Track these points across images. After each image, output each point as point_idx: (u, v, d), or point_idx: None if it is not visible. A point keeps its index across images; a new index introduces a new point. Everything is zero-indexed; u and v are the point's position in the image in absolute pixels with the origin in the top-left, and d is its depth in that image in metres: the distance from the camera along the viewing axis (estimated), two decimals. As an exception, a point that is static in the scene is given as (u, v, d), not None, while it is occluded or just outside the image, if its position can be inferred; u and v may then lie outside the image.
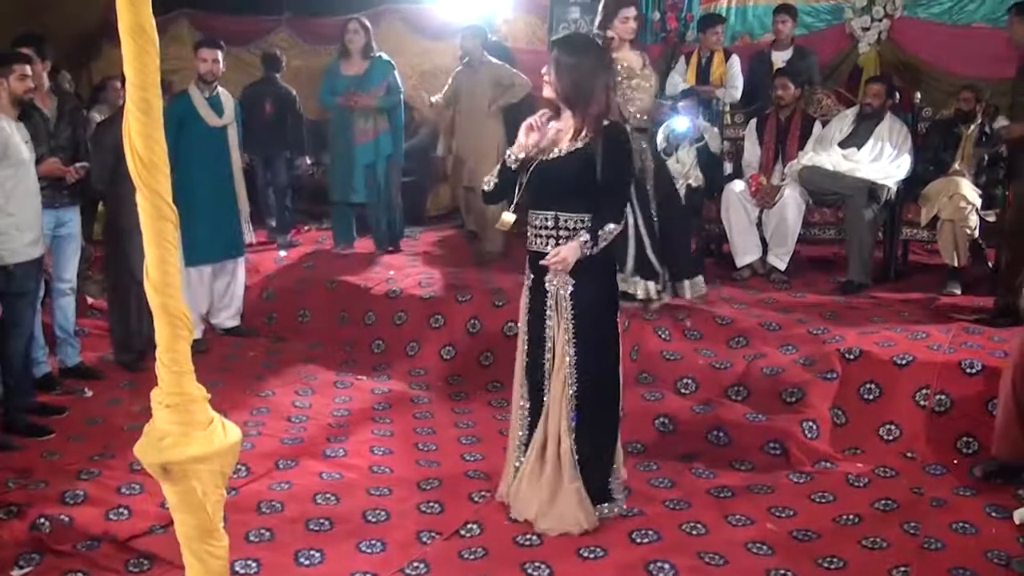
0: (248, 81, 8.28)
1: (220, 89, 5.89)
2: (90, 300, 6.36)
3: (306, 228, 8.32)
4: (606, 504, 3.69)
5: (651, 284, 5.14)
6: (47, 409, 4.82)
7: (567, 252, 3.41)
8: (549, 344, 3.60)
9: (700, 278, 5.38)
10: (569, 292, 3.53)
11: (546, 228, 3.53)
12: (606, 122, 3.48)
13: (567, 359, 3.55)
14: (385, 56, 7.05)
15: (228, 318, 6.13)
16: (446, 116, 7.34)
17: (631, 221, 5.04)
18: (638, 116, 5.12)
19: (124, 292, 5.38)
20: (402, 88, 7.15)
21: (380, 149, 6.99)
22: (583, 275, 3.51)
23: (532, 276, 3.64)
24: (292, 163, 8.07)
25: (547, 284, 3.56)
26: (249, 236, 6.07)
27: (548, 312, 3.58)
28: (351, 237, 7.30)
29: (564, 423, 3.57)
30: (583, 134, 3.46)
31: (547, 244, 3.53)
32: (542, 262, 3.48)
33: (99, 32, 9.69)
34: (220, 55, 5.81)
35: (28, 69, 4.48)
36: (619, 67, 4.97)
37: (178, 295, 2.16)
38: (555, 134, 3.55)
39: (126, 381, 5.32)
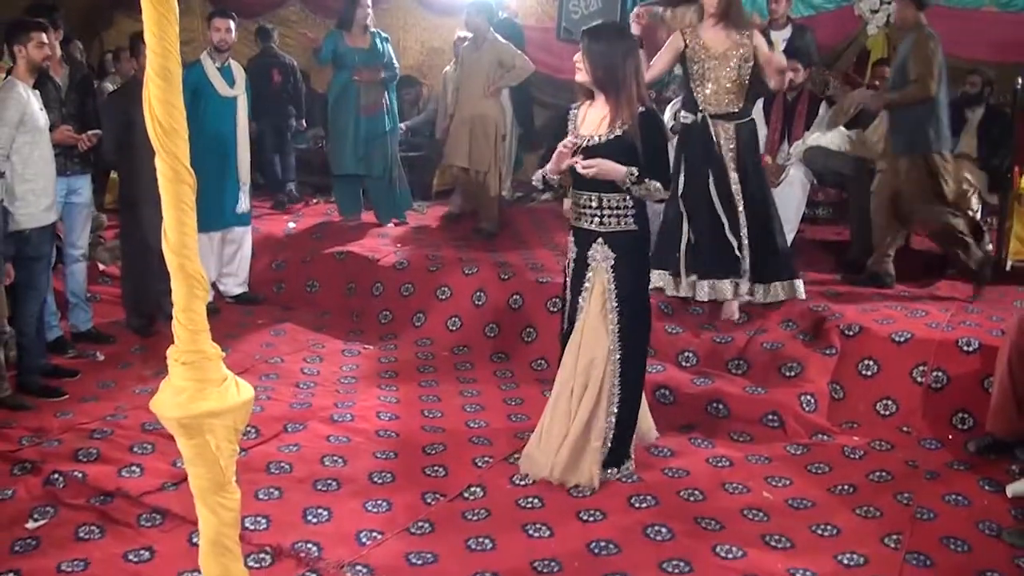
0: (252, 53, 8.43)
1: (231, 60, 5.96)
2: (101, 267, 6.45)
3: (314, 200, 8.39)
4: (631, 461, 3.96)
5: (726, 284, 4.93)
6: (60, 371, 4.92)
7: (603, 165, 3.58)
8: (581, 315, 3.81)
9: (798, 282, 5.09)
10: (610, 265, 3.74)
11: (590, 208, 3.76)
12: (642, 108, 3.66)
13: (610, 327, 3.75)
14: (383, 32, 7.14)
15: (235, 285, 6.23)
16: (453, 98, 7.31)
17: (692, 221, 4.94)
18: (716, 100, 4.84)
19: (136, 259, 5.47)
20: (397, 64, 7.19)
21: (385, 122, 7.07)
22: (621, 250, 3.74)
23: (576, 250, 3.86)
24: (298, 128, 8.53)
25: (589, 258, 3.78)
26: (245, 205, 6.11)
27: (586, 284, 3.80)
28: (358, 209, 7.36)
29: (606, 386, 3.76)
30: (620, 122, 3.66)
31: (591, 222, 3.77)
32: (579, 166, 3.60)
33: (111, 3, 9.73)
34: (232, 25, 5.88)
35: (45, 37, 4.55)
36: (695, 44, 4.82)
37: (195, 256, 2.23)
38: (594, 121, 3.75)
39: (137, 346, 5.42)
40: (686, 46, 4.85)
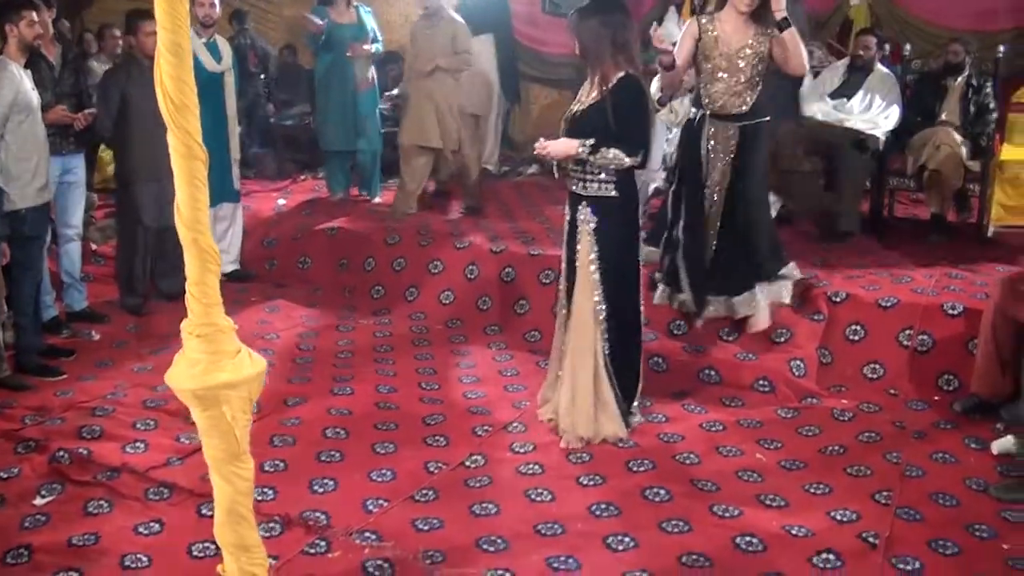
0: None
1: (217, 36, 5.95)
2: (93, 246, 6.45)
3: (302, 177, 8.41)
4: (636, 418, 4.16)
5: (674, 292, 4.78)
6: (56, 351, 4.93)
7: (553, 146, 3.85)
8: (576, 272, 3.98)
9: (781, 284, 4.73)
10: (592, 228, 3.88)
11: (576, 172, 3.92)
12: (621, 74, 3.79)
13: (594, 288, 3.91)
14: (365, 6, 7.15)
15: (228, 262, 6.23)
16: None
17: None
18: (723, 99, 4.48)
19: (131, 237, 5.50)
20: (381, 37, 7.20)
21: (376, 97, 7.14)
22: (602, 215, 3.89)
23: (569, 213, 4.03)
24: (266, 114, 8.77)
25: (577, 221, 3.94)
26: (237, 181, 6.13)
27: (578, 246, 3.95)
28: (347, 184, 7.40)
29: (599, 345, 3.94)
30: (600, 89, 3.82)
31: (577, 186, 3.93)
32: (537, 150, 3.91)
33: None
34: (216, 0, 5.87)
35: (36, 15, 4.54)
36: (709, 36, 4.44)
37: (207, 231, 2.29)
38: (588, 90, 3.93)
39: (131, 325, 5.45)
40: (700, 37, 4.49)
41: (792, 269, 4.83)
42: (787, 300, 4.73)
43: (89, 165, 6.12)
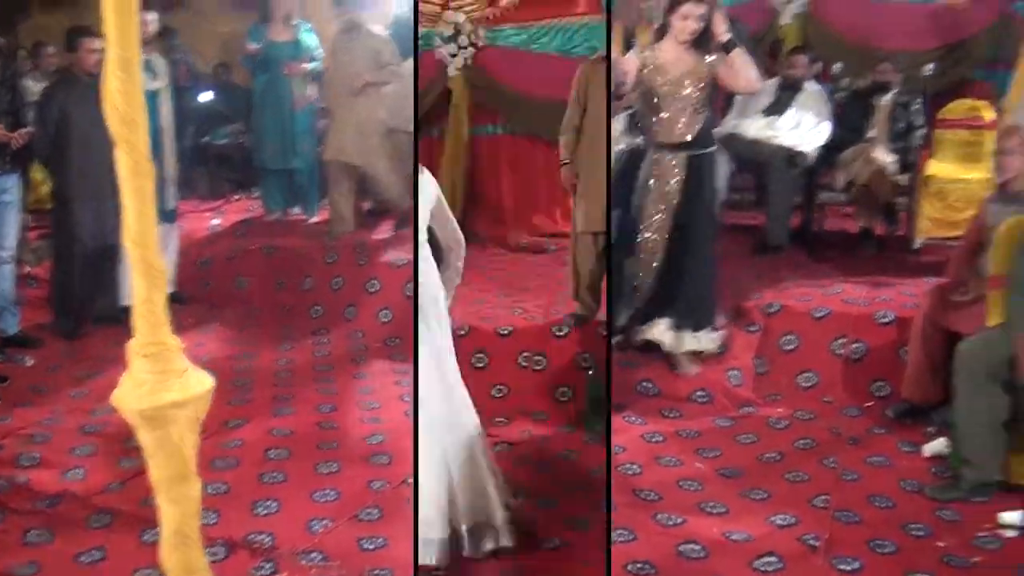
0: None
1: (153, 53, 5.87)
2: (27, 268, 6.29)
3: (235, 197, 8.31)
4: None
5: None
6: (-11, 377, 4.82)
7: None
8: None
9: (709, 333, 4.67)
10: None
11: None
12: None
13: None
14: (307, 23, 7.11)
15: (164, 285, 6.14)
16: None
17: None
18: (668, 128, 4.42)
19: (67, 258, 5.39)
20: (321, 55, 7.17)
21: (313, 115, 7.11)
22: None
23: None
24: None
25: None
26: (173, 201, 6.05)
27: None
28: (284, 203, 7.35)
29: None
30: None
31: None
32: None
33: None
34: (152, 16, 5.80)
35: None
36: (651, 65, 4.41)
37: (155, 248, 2.27)
38: None
39: (65, 349, 5.33)
40: (641, 68, 4.42)
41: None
42: (715, 348, 4.71)
43: (24, 184, 6.01)
